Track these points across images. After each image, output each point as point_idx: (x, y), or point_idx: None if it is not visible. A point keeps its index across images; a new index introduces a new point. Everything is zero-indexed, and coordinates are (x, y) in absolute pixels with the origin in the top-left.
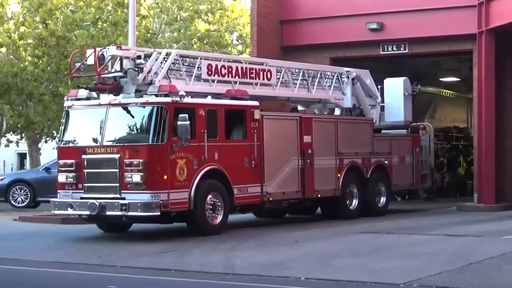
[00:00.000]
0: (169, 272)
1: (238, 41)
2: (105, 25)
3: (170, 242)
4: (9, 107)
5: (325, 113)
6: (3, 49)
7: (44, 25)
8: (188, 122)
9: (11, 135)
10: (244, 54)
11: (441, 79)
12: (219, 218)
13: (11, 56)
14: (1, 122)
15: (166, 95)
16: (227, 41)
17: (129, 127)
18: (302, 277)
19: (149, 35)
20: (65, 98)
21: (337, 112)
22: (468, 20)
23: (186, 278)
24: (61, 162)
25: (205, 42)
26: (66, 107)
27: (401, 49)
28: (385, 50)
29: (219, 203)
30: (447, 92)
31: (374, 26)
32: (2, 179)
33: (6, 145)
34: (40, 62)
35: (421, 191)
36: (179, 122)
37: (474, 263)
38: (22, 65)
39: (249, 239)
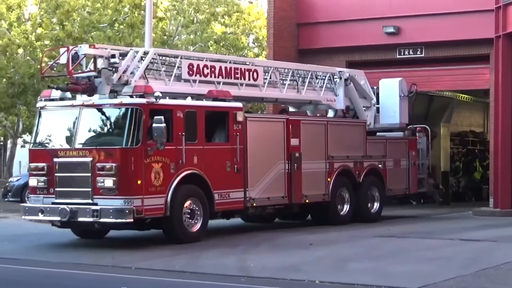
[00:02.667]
0: (184, 274)
1: (254, 43)
2: (121, 27)
3: (182, 244)
4: (26, 108)
5: (317, 115)
6: (20, 50)
7: (61, 26)
8: (163, 125)
9: (27, 135)
10: (260, 57)
11: None
12: (197, 225)
13: (28, 57)
14: (17, 123)
15: (141, 96)
16: (244, 43)
17: (103, 129)
18: (317, 281)
19: (165, 37)
20: (38, 98)
21: (330, 113)
22: (485, 24)
23: (201, 280)
24: (32, 165)
25: (221, 44)
26: (39, 108)
27: (418, 53)
28: (402, 54)
29: (198, 210)
30: (463, 97)
31: (391, 30)
32: (17, 180)
33: (22, 146)
34: None
35: (437, 196)
36: (154, 125)
37: (489, 268)
38: (39, 66)
39: (263, 242)
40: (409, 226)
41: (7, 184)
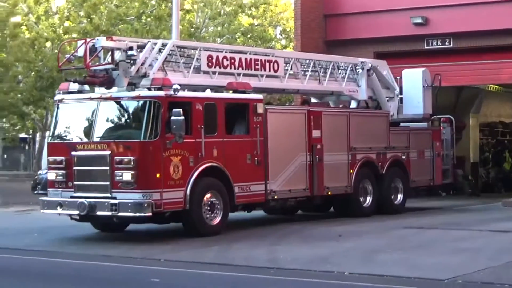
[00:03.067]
0: (213, 266)
1: (281, 35)
2: (149, 19)
3: (211, 236)
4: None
5: (340, 106)
6: (48, 43)
7: (88, 19)
8: (182, 117)
9: None
10: (287, 48)
11: None
12: (217, 218)
13: (56, 50)
14: (46, 116)
15: (159, 89)
16: (271, 35)
17: (121, 123)
18: (346, 272)
19: (192, 29)
20: (56, 91)
21: (353, 104)
22: None
23: (230, 272)
24: (51, 159)
25: (248, 36)
26: (56, 101)
27: (446, 43)
28: (430, 44)
29: (218, 203)
30: (493, 87)
31: (419, 20)
32: (46, 173)
33: None
34: None
35: (467, 187)
36: (172, 117)
37: None
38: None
39: (291, 234)
40: (438, 217)
41: (36, 177)
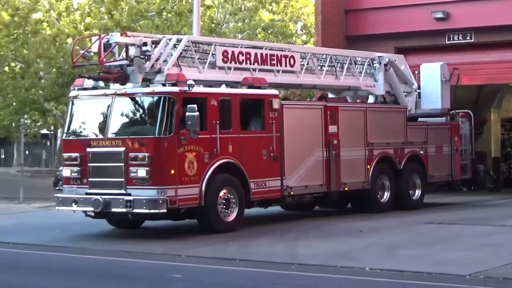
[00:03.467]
0: (234, 261)
1: (302, 31)
2: (169, 15)
3: (236, 231)
4: None
5: (358, 101)
6: (70, 40)
7: (109, 15)
8: (197, 113)
9: None
10: (308, 44)
11: None
12: (233, 215)
13: (77, 47)
14: (67, 112)
15: (174, 84)
16: (291, 31)
17: (135, 119)
18: (367, 268)
19: (213, 25)
20: (71, 87)
21: (370, 99)
22: None
23: (251, 268)
24: (66, 155)
25: (269, 32)
26: (71, 97)
27: (467, 38)
28: (451, 39)
29: (233, 199)
30: None
31: (440, 15)
32: None
33: None
34: None
35: (488, 182)
36: (187, 113)
37: None
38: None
39: (312, 230)
40: (459, 212)
41: (57, 173)
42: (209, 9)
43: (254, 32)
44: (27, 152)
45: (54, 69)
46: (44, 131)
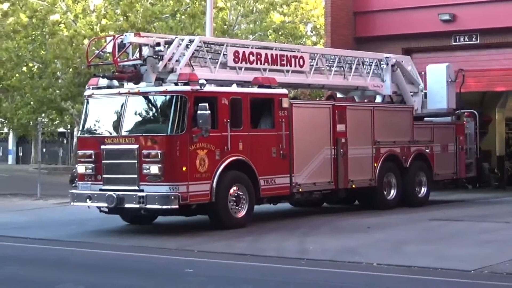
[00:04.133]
0: (245, 256)
1: (312, 32)
2: (183, 17)
3: (247, 227)
4: None
5: (365, 101)
6: (86, 41)
7: (124, 17)
8: (208, 112)
9: None
10: (318, 45)
11: None
12: (243, 211)
13: (93, 48)
14: None
15: (185, 84)
16: (302, 32)
17: (148, 117)
18: (374, 263)
19: (225, 26)
20: (86, 86)
21: (378, 99)
22: None
23: (262, 263)
24: (81, 152)
25: (280, 33)
26: (86, 96)
27: (473, 39)
28: (457, 41)
29: (244, 195)
30: None
31: (446, 17)
32: None
33: None
34: None
35: (493, 180)
36: (199, 112)
37: None
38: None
39: (321, 226)
40: (464, 209)
41: (73, 170)
42: (221, 11)
43: (265, 33)
44: (44, 150)
45: (70, 69)
46: (61, 129)
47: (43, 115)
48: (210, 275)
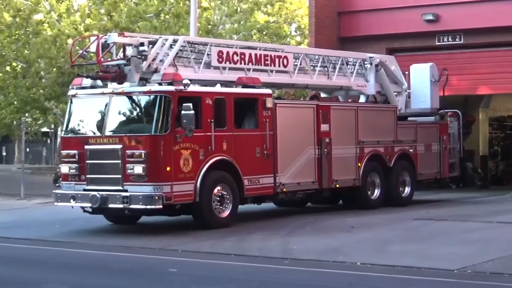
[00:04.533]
0: (229, 256)
1: (296, 32)
2: (167, 17)
3: (231, 227)
4: None
5: (349, 100)
6: (70, 40)
7: (108, 17)
8: (192, 112)
9: None
10: (302, 45)
11: None
12: (227, 211)
13: (77, 47)
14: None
15: (170, 84)
16: (286, 32)
17: (132, 117)
18: (358, 263)
19: (210, 26)
20: (70, 86)
21: (362, 99)
22: None
23: (246, 263)
24: (64, 152)
25: (264, 33)
26: (70, 96)
27: (457, 39)
28: (441, 41)
29: (227, 195)
30: None
31: (430, 17)
32: None
33: None
34: None
35: (476, 180)
36: (183, 112)
37: None
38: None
39: (305, 225)
40: (448, 209)
41: (57, 170)
42: (205, 11)
43: (249, 33)
44: (28, 150)
45: (54, 69)
46: (44, 129)
47: (26, 114)
48: (194, 275)
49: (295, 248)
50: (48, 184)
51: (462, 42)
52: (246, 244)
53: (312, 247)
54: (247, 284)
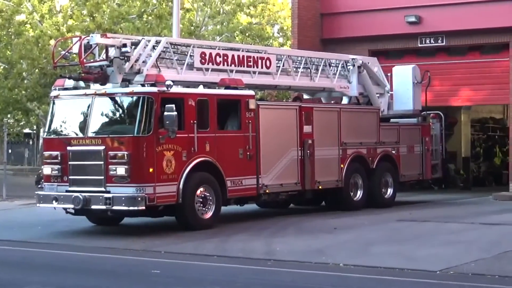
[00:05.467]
0: (212, 257)
1: (279, 33)
2: (150, 18)
3: (214, 228)
4: None
5: (332, 102)
6: (52, 41)
7: (91, 18)
8: (175, 113)
9: None
10: (285, 46)
11: None
12: (210, 212)
13: (60, 48)
14: None
15: (152, 85)
16: (269, 33)
17: (115, 118)
18: (341, 264)
19: (192, 27)
20: (52, 87)
21: (344, 100)
22: (505, 13)
23: (229, 264)
24: (46, 153)
25: (247, 34)
26: (52, 97)
27: (439, 41)
28: (423, 42)
29: (210, 197)
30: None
31: (412, 19)
32: None
33: None
34: None
35: (458, 181)
36: (165, 113)
37: (510, 251)
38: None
39: (288, 227)
40: (430, 210)
41: (39, 171)
42: (188, 12)
43: (232, 34)
44: (10, 151)
45: (36, 70)
46: (27, 130)
47: (8, 116)
48: (177, 276)
49: (278, 249)
50: (30, 185)
51: (444, 44)
52: (229, 245)
53: (295, 248)
54: (230, 285)
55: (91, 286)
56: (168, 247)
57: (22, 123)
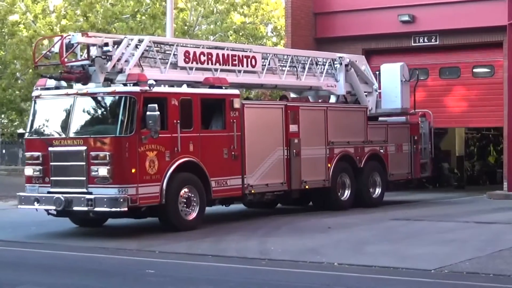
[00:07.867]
0: (207, 257)
1: (272, 33)
2: (143, 17)
3: (207, 228)
4: None
5: (319, 101)
6: (46, 41)
7: (84, 18)
8: (157, 113)
9: None
10: (278, 45)
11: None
12: (194, 213)
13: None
14: None
15: (135, 84)
16: (262, 33)
17: (96, 118)
18: (336, 263)
19: (186, 27)
20: (34, 87)
21: (332, 99)
22: (499, 12)
23: (223, 263)
24: (28, 154)
25: (240, 34)
26: (34, 97)
27: (432, 40)
28: (417, 41)
29: (194, 197)
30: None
31: (406, 18)
32: None
33: None
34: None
35: (452, 180)
36: (148, 113)
37: (504, 250)
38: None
39: (282, 226)
40: (424, 209)
41: None
42: (182, 11)
43: (225, 34)
44: (3, 151)
45: (30, 70)
46: (20, 130)
47: (2, 116)
48: (171, 276)
49: (272, 248)
50: (24, 185)
51: (437, 43)
52: (223, 245)
53: (289, 247)
54: (225, 285)
55: (85, 286)
56: (162, 247)
57: (16, 123)
